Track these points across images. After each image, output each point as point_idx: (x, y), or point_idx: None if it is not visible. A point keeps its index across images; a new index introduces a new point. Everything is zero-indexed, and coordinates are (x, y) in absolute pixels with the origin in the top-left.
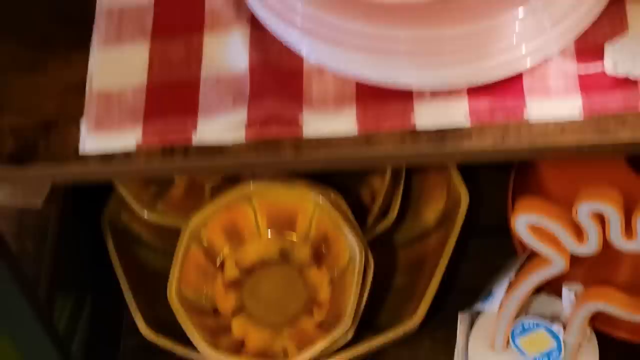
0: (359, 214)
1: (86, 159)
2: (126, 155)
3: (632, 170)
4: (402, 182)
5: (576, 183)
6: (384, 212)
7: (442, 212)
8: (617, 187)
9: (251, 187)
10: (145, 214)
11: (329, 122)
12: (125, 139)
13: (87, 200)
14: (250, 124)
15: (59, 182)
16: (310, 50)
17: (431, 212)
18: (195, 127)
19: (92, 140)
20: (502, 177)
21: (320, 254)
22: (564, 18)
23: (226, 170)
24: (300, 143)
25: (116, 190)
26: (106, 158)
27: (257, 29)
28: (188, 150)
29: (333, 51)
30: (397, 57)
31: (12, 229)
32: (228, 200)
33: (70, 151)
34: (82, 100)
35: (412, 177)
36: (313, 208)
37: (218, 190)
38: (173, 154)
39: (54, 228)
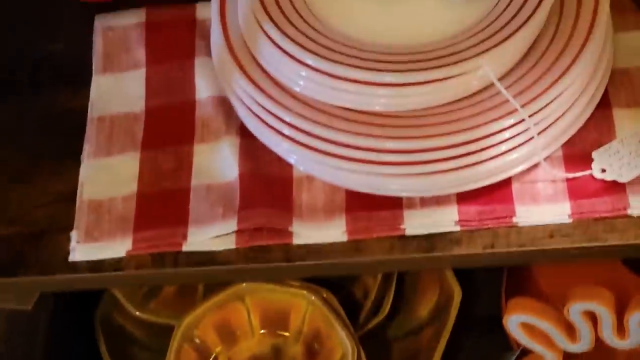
0: (352, 310)
1: (76, 268)
2: (116, 264)
3: (624, 268)
4: (395, 278)
5: (568, 280)
6: (377, 307)
7: (435, 307)
8: (609, 284)
9: (244, 286)
10: (138, 313)
11: (319, 231)
12: (115, 248)
13: (79, 300)
14: (240, 233)
15: (49, 290)
16: (300, 160)
17: (424, 307)
18: (185, 236)
19: (82, 250)
20: (495, 271)
21: (313, 351)
22: (551, 126)
23: (217, 279)
24: (291, 251)
25: (108, 289)
26: (96, 267)
27: (246, 138)
28: (178, 258)
29: (322, 161)
30: (386, 167)
31: (1, 329)
32: (221, 299)
33: (60, 260)
34: (72, 209)
35: (404, 272)
36: (305, 306)
37: (211, 288)
38: (163, 263)
39: (45, 328)
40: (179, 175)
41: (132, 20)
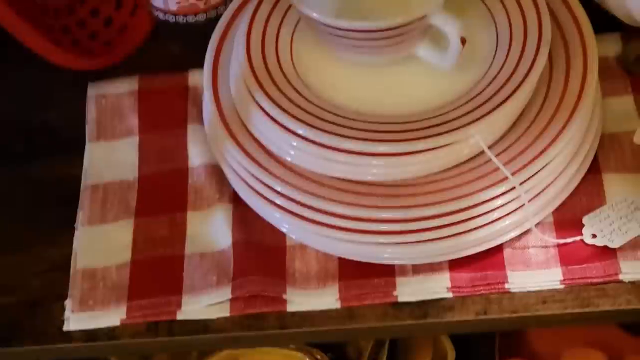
0: None
1: (71, 337)
2: (111, 332)
3: (617, 329)
4: (388, 338)
5: (561, 341)
6: None
7: None
8: (602, 345)
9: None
10: None
11: (313, 298)
12: (110, 316)
13: None
14: (234, 300)
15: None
16: (292, 229)
17: None
18: (179, 304)
19: (76, 319)
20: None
21: None
22: (542, 193)
23: (211, 346)
24: (285, 318)
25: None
26: (91, 335)
27: (239, 205)
28: (173, 327)
29: (314, 230)
30: (379, 236)
31: None
32: None
33: (55, 330)
34: (67, 278)
35: None
36: None
37: (204, 353)
38: (158, 331)
39: None
40: (173, 243)
41: (124, 88)
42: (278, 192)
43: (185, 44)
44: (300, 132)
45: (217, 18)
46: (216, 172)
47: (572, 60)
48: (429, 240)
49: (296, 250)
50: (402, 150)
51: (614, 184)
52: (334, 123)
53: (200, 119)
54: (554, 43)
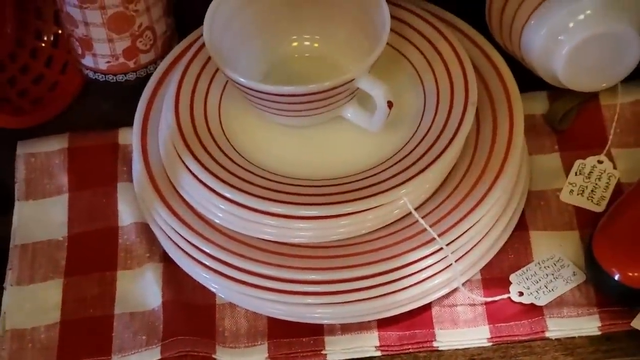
0: None
1: None
2: None
3: None
4: None
5: None
6: None
7: None
8: None
9: None
10: None
11: (242, 357)
12: None
13: None
14: None
15: None
16: (220, 289)
17: None
18: None
19: None
20: None
21: None
22: (469, 252)
23: None
24: None
25: None
26: None
27: (169, 264)
28: None
29: (242, 291)
30: (307, 297)
31: None
32: None
33: None
34: None
35: None
36: None
37: None
38: None
39: None
40: (103, 302)
41: (54, 146)
42: (206, 253)
43: (115, 102)
44: (227, 195)
45: (148, 77)
46: (146, 231)
47: (499, 119)
48: (357, 300)
49: (226, 309)
50: (330, 213)
51: (541, 241)
52: (261, 186)
53: (130, 177)
54: (480, 103)
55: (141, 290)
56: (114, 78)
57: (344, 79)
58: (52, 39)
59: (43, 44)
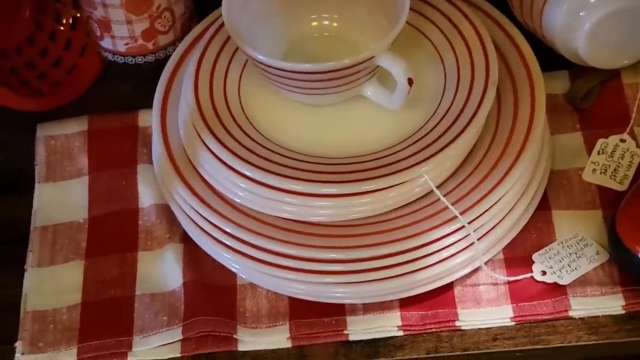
0: None
1: None
2: None
3: None
4: None
5: None
6: None
7: None
8: None
9: None
10: None
11: (263, 337)
12: (61, 358)
13: None
14: (185, 341)
15: None
16: (242, 269)
17: None
18: (130, 346)
19: None
20: None
21: None
22: (491, 231)
23: None
24: (236, 358)
25: None
26: None
27: (190, 244)
28: None
29: (264, 271)
30: (329, 276)
31: None
32: None
33: None
34: (17, 320)
35: None
36: None
37: None
38: None
39: None
40: (123, 283)
41: (74, 128)
42: (227, 233)
43: (134, 84)
44: (247, 173)
45: (167, 59)
46: (166, 212)
47: (520, 98)
48: (379, 279)
49: (247, 289)
50: (350, 191)
51: (563, 220)
52: (281, 164)
53: (150, 159)
54: (501, 81)
55: (162, 271)
56: (133, 60)
57: (363, 57)
58: (70, 21)
59: (62, 27)
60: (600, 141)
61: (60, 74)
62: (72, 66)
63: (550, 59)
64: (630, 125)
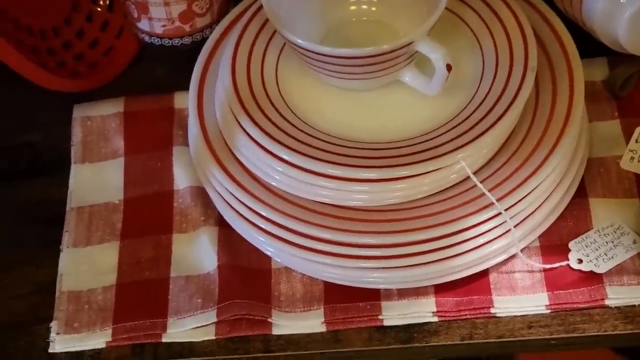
0: None
1: (56, 359)
2: (96, 355)
3: (611, 351)
4: None
5: None
6: None
7: None
8: None
9: None
10: None
11: (298, 321)
12: (95, 339)
13: None
14: (220, 323)
15: None
16: (277, 253)
17: None
18: (165, 327)
19: (62, 341)
20: None
21: None
22: (528, 218)
23: None
24: (270, 341)
25: None
26: (76, 358)
27: (225, 228)
28: (158, 349)
29: (299, 255)
30: (364, 261)
31: None
32: None
33: (40, 352)
34: (52, 300)
35: None
36: None
37: None
38: (143, 354)
39: None
40: (158, 265)
41: (110, 110)
42: (262, 216)
43: (171, 66)
44: (284, 157)
45: (203, 41)
46: (201, 195)
47: (559, 85)
48: (414, 265)
49: (282, 273)
50: (387, 176)
51: (600, 208)
52: (318, 148)
53: (185, 141)
54: (540, 68)
55: (196, 253)
56: (170, 42)
57: (402, 42)
58: (107, 3)
59: (99, 8)
60: (638, 129)
61: (97, 55)
62: (109, 48)
63: (589, 45)
64: None
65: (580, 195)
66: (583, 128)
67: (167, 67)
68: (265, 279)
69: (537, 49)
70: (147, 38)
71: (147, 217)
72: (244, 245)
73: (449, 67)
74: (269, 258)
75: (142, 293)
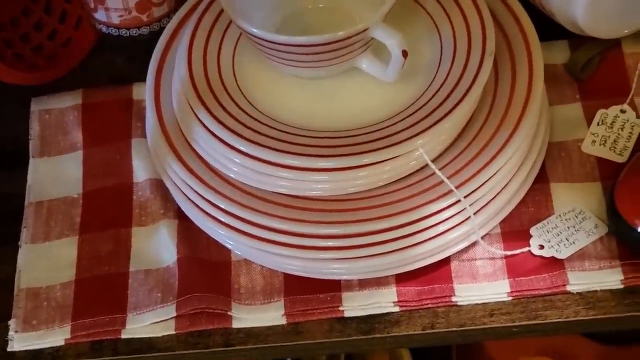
0: None
1: (15, 357)
2: (55, 352)
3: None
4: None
5: (519, 348)
6: None
7: None
8: (561, 351)
9: None
10: None
11: (258, 314)
12: (54, 336)
13: None
14: (179, 318)
15: None
16: (236, 245)
17: None
18: (124, 323)
19: (20, 339)
20: None
21: None
22: (488, 205)
23: None
24: (231, 335)
25: None
26: (35, 356)
27: (184, 220)
28: (117, 346)
29: (259, 247)
30: (324, 252)
31: None
32: None
33: None
34: (10, 297)
35: None
36: None
37: None
38: (102, 350)
39: None
40: (117, 259)
41: (68, 102)
42: (221, 209)
43: (129, 57)
44: (241, 148)
45: (161, 31)
46: (161, 187)
47: (518, 69)
48: (374, 255)
49: (242, 266)
50: (346, 164)
51: (562, 193)
52: (276, 139)
53: (145, 133)
54: (499, 52)
55: (156, 247)
56: (127, 32)
57: (357, 29)
58: None
59: None
60: (600, 112)
61: (55, 47)
62: (67, 39)
63: (550, 28)
64: (630, 96)
65: (541, 180)
66: (543, 112)
67: (125, 58)
68: (225, 271)
69: (497, 34)
70: (104, 29)
71: (107, 211)
72: (204, 237)
73: (405, 54)
74: (228, 250)
75: (101, 288)
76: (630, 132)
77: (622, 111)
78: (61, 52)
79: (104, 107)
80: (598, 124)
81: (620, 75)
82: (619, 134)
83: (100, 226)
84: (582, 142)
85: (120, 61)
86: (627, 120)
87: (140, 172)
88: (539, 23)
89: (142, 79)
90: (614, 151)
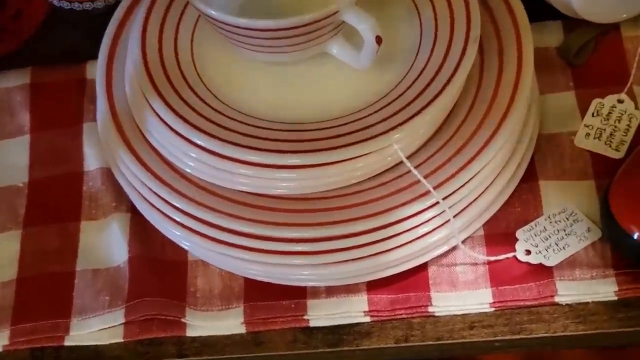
0: None
1: None
2: None
3: None
4: None
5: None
6: None
7: None
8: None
9: None
10: None
11: (215, 321)
12: None
13: None
14: (128, 324)
15: None
16: (193, 247)
17: None
18: (68, 329)
19: None
20: None
21: None
22: (469, 206)
23: None
24: (184, 344)
25: None
26: None
27: (138, 215)
28: (60, 354)
29: (217, 249)
30: (289, 256)
31: None
32: None
33: None
34: None
35: None
36: None
37: None
38: (43, 358)
39: None
40: (64, 257)
41: (15, 81)
42: (176, 208)
43: (83, 33)
44: (199, 142)
45: (117, 4)
46: (114, 177)
47: (506, 55)
48: (344, 261)
49: (198, 266)
50: (314, 161)
51: (551, 192)
52: (238, 132)
53: None
54: (486, 38)
55: (106, 244)
56: (80, 6)
57: (327, 12)
58: None
59: None
60: (595, 102)
61: (5, 20)
62: (17, 11)
63: (542, 8)
64: (629, 84)
65: (530, 177)
66: (533, 101)
67: (79, 34)
68: (181, 272)
69: (482, 14)
70: (56, 2)
71: (54, 202)
72: (158, 234)
73: (378, 39)
74: (185, 251)
75: (44, 289)
76: (628, 125)
77: (620, 101)
78: (10, 26)
79: (54, 88)
80: (593, 115)
81: (619, 60)
82: (615, 127)
83: (46, 219)
84: (575, 135)
85: (74, 37)
86: (625, 112)
87: (92, 160)
88: (530, 2)
89: (97, 57)
90: (610, 146)
